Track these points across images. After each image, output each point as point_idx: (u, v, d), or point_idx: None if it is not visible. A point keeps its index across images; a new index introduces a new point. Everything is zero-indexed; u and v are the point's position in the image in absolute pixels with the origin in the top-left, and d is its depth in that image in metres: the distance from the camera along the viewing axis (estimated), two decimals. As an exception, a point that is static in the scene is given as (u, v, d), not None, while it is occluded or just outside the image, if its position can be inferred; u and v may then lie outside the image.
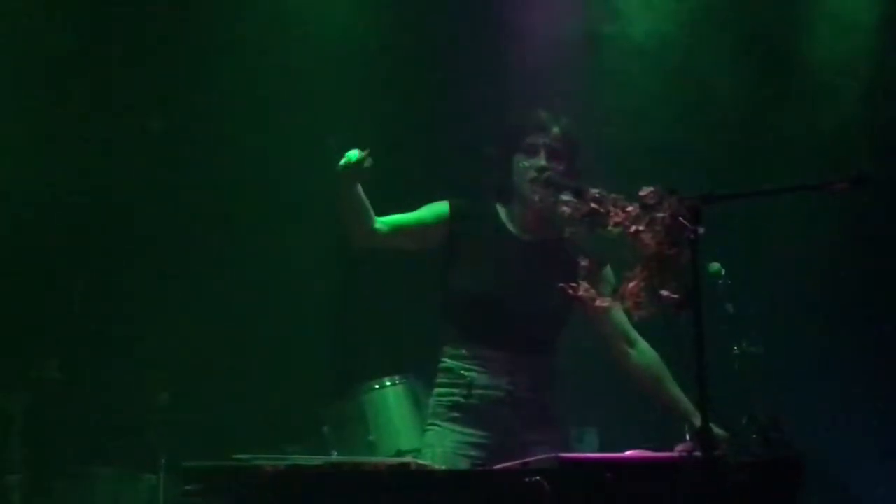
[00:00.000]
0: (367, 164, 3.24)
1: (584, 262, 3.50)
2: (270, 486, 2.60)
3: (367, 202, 3.37)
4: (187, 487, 2.60)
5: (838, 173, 2.77)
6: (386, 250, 3.60)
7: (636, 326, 3.54)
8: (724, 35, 5.89)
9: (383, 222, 3.45)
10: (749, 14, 5.98)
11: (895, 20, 5.97)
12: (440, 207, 3.55)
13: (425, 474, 2.77)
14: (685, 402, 3.38)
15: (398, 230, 3.47)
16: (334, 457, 4.83)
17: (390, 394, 5.05)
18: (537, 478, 2.63)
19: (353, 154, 3.25)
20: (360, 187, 3.33)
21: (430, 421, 3.59)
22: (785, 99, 6.05)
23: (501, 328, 3.47)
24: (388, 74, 5.77)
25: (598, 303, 3.43)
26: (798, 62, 6.02)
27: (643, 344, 3.54)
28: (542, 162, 3.47)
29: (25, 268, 5.45)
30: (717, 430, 3.02)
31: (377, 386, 5.08)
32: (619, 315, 3.49)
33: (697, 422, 3.06)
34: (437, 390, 3.58)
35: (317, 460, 2.85)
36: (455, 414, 3.49)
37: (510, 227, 3.58)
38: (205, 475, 2.62)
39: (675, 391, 3.43)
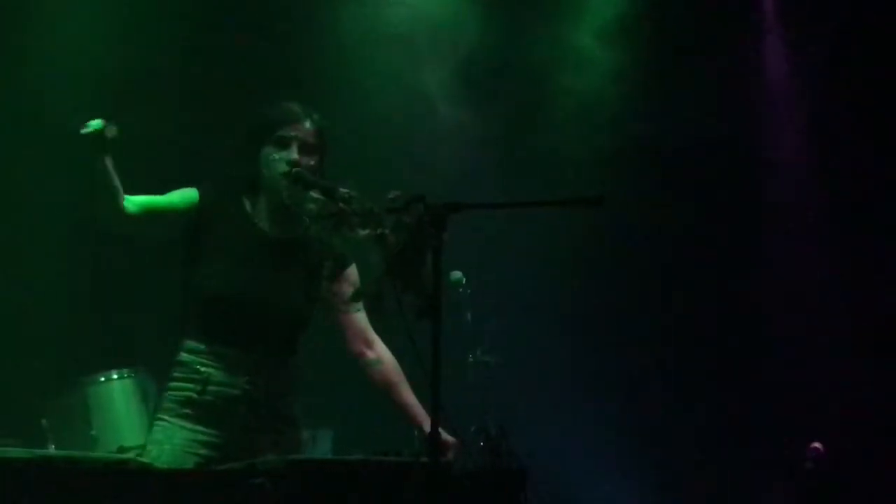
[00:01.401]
0: (111, 133, 3.07)
1: (328, 263, 3.49)
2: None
3: (116, 179, 3.19)
4: None
5: (579, 193, 2.86)
6: (131, 234, 3.43)
7: (376, 329, 3.54)
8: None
9: (133, 202, 3.29)
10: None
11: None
12: (190, 193, 3.42)
13: (144, 472, 2.65)
14: (418, 408, 3.40)
15: (148, 211, 3.31)
16: (49, 450, 4.60)
17: (116, 387, 4.88)
18: (262, 479, 2.57)
19: (97, 123, 3.08)
20: (109, 162, 3.16)
21: (158, 416, 3.44)
22: (536, 124, 6.31)
23: (242, 326, 3.39)
24: (138, 58, 5.58)
25: (340, 304, 3.42)
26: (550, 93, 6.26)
27: (381, 346, 3.54)
28: (294, 156, 3.41)
29: None
30: (446, 436, 3.06)
31: (103, 378, 4.89)
32: (360, 316, 3.48)
33: (428, 427, 3.11)
34: (169, 384, 3.44)
35: (26, 452, 2.66)
36: (187, 410, 3.37)
37: (257, 220, 3.49)
38: None
39: (409, 396, 3.45)
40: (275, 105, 3.48)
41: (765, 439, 6.32)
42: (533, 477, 2.98)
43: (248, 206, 3.49)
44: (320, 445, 5.54)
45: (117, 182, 3.19)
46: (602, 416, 6.19)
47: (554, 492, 5.67)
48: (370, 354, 3.53)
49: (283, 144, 3.42)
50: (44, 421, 4.92)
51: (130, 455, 3.91)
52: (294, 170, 3.35)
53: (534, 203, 3.06)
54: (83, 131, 3.08)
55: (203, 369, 3.37)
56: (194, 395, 3.36)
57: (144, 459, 3.04)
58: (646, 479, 6.28)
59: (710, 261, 6.50)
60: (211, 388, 3.36)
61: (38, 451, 2.84)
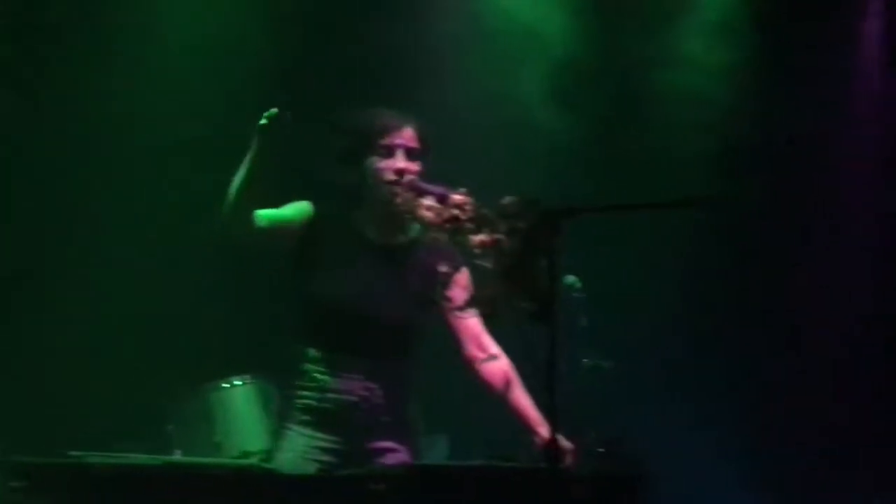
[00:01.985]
0: (285, 120, 3.17)
1: (442, 268, 3.50)
2: (102, 486, 2.49)
3: (261, 187, 3.29)
4: (12, 484, 2.47)
5: (693, 194, 2.82)
6: (254, 246, 3.50)
7: (491, 334, 3.54)
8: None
9: (261, 216, 3.37)
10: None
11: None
12: (304, 207, 3.48)
13: (268, 477, 2.71)
14: (534, 413, 3.38)
15: (274, 225, 3.39)
16: (175, 457, 4.71)
17: (239, 393, 4.95)
18: (381, 485, 2.59)
19: (274, 111, 3.17)
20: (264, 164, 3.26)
21: (281, 423, 3.52)
22: (643, 123, 6.24)
23: (357, 334, 3.43)
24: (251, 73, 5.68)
25: (453, 309, 3.43)
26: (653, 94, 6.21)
27: (496, 350, 3.54)
28: (401, 164, 3.43)
29: None
30: (564, 442, 3.04)
31: (226, 385, 4.97)
32: (474, 321, 3.47)
33: (545, 433, 3.09)
34: (291, 392, 3.50)
35: (155, 459, 2.74)
36: (307, 417, 3.43)
37: (364, 229, 3.53)
38: (31, 471, 2.49)
39: (525, 401, 3.43)
40: (376, 113, 3.51)
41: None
42: (652, 482, 2.94)
43: (355, 215, 3.53)
44: (437, 450, 5.54)
45: (262, 190, 3.28)
46: (721, 420, 6.07)
47: (673, 498, 5.58)
48: (485, 359, 3.53)
49: (389, 153, 3.45)
50: (169, 427, 5.02)
51: (253, 460, 3.99)
52: (406, 178, 3.37)
53: (648, 205, 3.03)
54: (265, 116, 3.17)
55: (320, 377, 3.42)
56: (313, 403, 3.41)
57: (267, 465, 3.10)
58: (767, 486, 6.13)
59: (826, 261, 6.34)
60: (329, 395, 3.41)
61: (165, 458, 2.92)
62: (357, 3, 5.95)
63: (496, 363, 3.51)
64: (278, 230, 3.42)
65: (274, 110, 3.21)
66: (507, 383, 3.48)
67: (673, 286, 6.18)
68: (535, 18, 6.09)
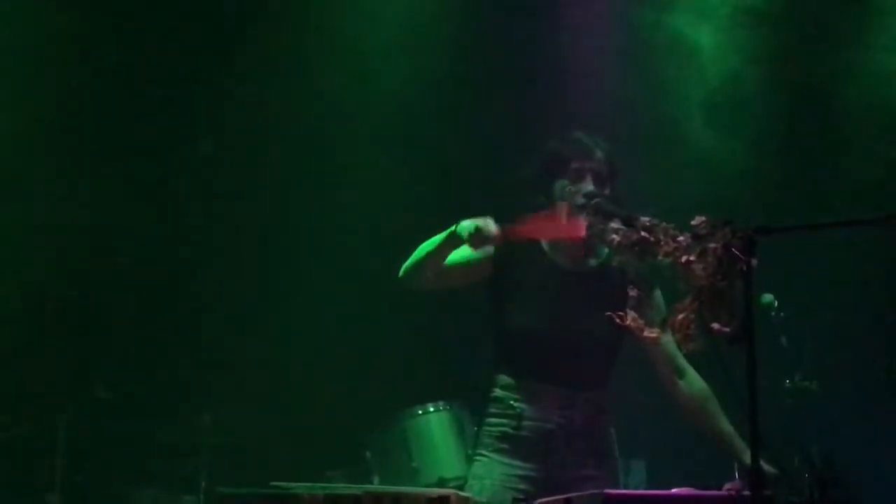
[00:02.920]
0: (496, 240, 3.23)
1: (632, 292, 3.44)
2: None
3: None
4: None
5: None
6: (436, 290, 3.56)
7: (687, 358, 3.45)
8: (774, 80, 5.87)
9: None
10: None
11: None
12: None
13: (465, 506, 2.71)
14: (735, 438, 3.28)
15: (453, 270, 3.42)
16: (374, 484, 4.79)
17: (433, 420, 4.99)
18: (580, 513, 2.56)
19: (491, 226, 3.23)
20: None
21: (478, 451, 3.52)
22: (839, 137, 6.00)
23: (553, 362, 3.41)
24: (426, 102, 5.77)
25: (647, 333, 3.36)
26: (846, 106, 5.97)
27: (692, 374, 3.45)
28: (590, 187, 3.40)
29: (75, 288, 5.47)
30: (767, 468, 2.93)
31: (420, 412, 5.02)
32: (669, 344, 3.39)
33: (747, 459, 2.98)
34: (486, 419, 3.51)
35: (355, 489, 2.79)
36: (504, 445, 3.42)
37: (554, 256, 3.51)
38: (240, 502, 2.57)
39: (725, 425, 3.34)
40: (567, 137, 3.50)
41: None
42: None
43: (544, 242, 3.51)
44: (634, 475, 5.45)
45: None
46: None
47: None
48: (681, 382, 3.45)
49: (579, 177, 3.43)
50: (368, 454, 5.11)
51: (451, 489, 4.00)
52: (594, 201, 3.34)
53: (847, 222, 2.88)
54: (475, 228, 3.23)
55: (516, 405, 3.41)
56: (510, 430, 3.41)
57: (465, 493, 3.11)
58: None
59: None
60: (526, 422, 3.40)
61: (365, 486, 2.97)
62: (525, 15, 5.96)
63: (692, 386, 3.42)
64: (460, 272, 3.45)
65: (492, 230, 3.24)
66: (705, 407, 3.40)
67: (874, 303, 5.90)
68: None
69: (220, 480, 3.65)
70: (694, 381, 3.45)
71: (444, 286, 3.51)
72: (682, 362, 3.45)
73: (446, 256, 3.36)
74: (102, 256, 5.54)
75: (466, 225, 3.27)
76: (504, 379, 3.46)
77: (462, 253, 3.42)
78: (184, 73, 5.67)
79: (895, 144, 5.92)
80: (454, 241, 3.30)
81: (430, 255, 3.36)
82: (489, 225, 3.24)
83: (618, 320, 3.42)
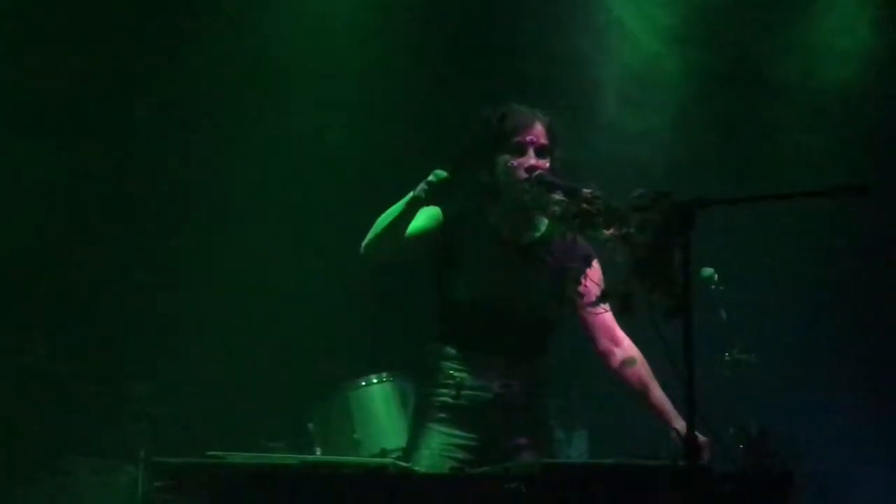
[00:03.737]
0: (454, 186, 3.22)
1: (573, 264, 3.46)
2: (243, 485, 2.54)
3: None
4: (157, 484, 2.54)
5: (837, 182, 2.70)
6: (397, 262, 3.54)
7: (625, 328, 3.49)
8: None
9: None
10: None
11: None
12: (435, 213, 3.48)
13: (403, 476, 2.72)
14: (669, 406, 3.34)
15: (413, 240, 3.41)
16: (315, 455, 4.78)
17: (376, 391, 5.00)
18: (517, 483, 2.57)
19: (442, 173, 3.20)
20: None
21: (416, 420, 3.52)
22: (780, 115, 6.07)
23: (495, 332, 3.42)
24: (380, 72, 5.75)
25: (586, 304, 3.39)
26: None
27: (629, 344, 3.50)
28: (532, 161, 3.40)
29: (7, 253, 5.38)
30: (702, 438, 2.97)
31: (363, 383, 5.02)
32: (607, 315, 3.45)
33: (680, 425, 3.03)
34: (425, 390, 3.51)
35: (293, 460, 2.78)
36: (443, 415, 3.43)
37: (498, 227, 3.52)
38: (175, 471, 2.56)
39: (658, 393, 3.40)
40: (507, 111, 3.48)
41: None
42: (799, 479, 2.84)
43: (487, 212, 3.51)
44: (575, 446, 5.50)
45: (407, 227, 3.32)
46: (866, 412, 5.84)
47: (820, 494, 5.40)
48: (618, 353, 3.50)
49: (520, 150, 3.43)
50: (310, 425, 5.10)
51: (391, 459, 4.01)
52: (535, 174, 3.34)
53: (790, 194, 2.90)
54: (432, 180, 3.22)
55: (457, 374, 3.42)
56: (450, 400, 3.42)
57: (404, 463, 3.12)
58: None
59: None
60: (465, 392, 3.41)
61: (303, 457, 2.96)
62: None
63: (629, 356, 3.46)
64: (418, 242, 3.43)
65: (443, 174, 3.23)
66: (640, 376, 3.45)
67: (817, 275, 5.99)
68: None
69: (162, 451, 3.62)
70: (630, 351, 3.49)
71: (403, 257, 3.48)
72: (619, 332, 3.51)
73: (409, 222, 3.33)
74: (36, 220, 5.45)
75: (422, 185, 3.27)
76: (445, 349, 3.46)
77: (418, 224, 3.42)
78: (124, 37, 5.59)
79: (821, 124, 5.99)
80: (415, 205, 3.29)
81: (392, 225, 3.33)
82: (439, 173, 3.24)
83: (558, 292, 3.45)
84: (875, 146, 5.99)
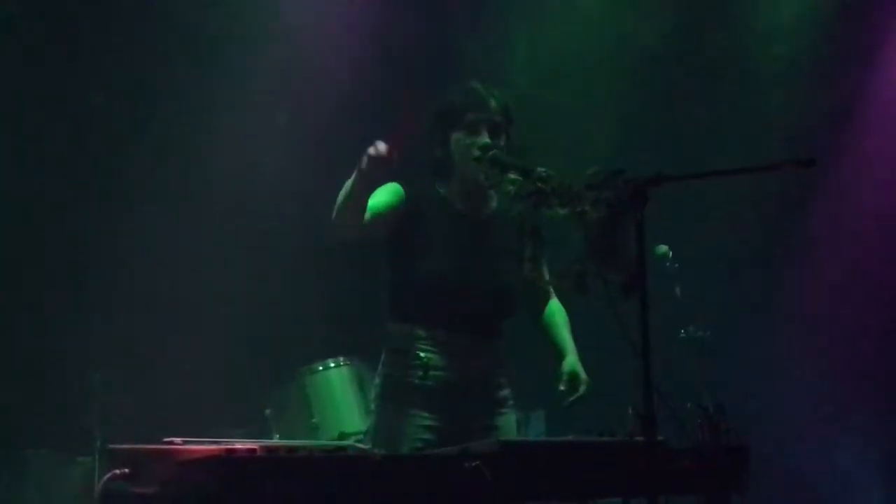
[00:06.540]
0: (395, 157, 3.14)
1: (529, 243, 3.46)
2: (200, 471, 2.51)
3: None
4: (114, 471, 2.51)
5: (786, 156, 2.73)
6: (360, 241, 3.50)
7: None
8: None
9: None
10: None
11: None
12: (396, 189, 3.46)
13: (362, 459, 2.70)
14: (569, 344, 3.51)
15: (376, 218, 3.37)
16: (272, 440, 4.77)
17: (334, 375, 4.99)
18: (477, 462, 2.57)
19: (382, 145, 3.15)
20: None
21: (377, 403, 3.50)
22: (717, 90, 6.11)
23: (459, 310, 3.41)
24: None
25: (540, 283, 3.41)
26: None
27: (555, 300, 3.63)
28: (486, 139, 3.39)
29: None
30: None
31: (320, 367, 5.02)
32: (548, 285, 3.55)
33: (569, 361, 3.34)
34: (386, 371, 3.49)
35: (250, 444, 2.76)
36: (406, 396, 3.41)
37: (454, 204, 3.51)
38: (131, 458, 2.53)
39: (564, 333, 3.54)
40: (460, 89, 3.47)
41: None
42: (755, 453, 2.87)
43: (442, 190, 3.51)
44: (533, 427, 5.52)
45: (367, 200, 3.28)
46: (821, 387, 5.92)
47: (777, 467, 5.47)
48: (544, 309, 3.62)
49: (474, 129, 3.42)
50: (267, 411, 5.09)
51: (350, 441, 4.01)
52: (490, 153, 3.33)
53: (740, 170, 2.92)
54: (371, 153, 3.15)
55: (424, 355, 3.40)
56: (415, 381, 3.39)
57: (363, 445, 3.10)
58: (879, 447, 5.96)
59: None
60: (432, 372, 3.39)
61: (261, 441, 2.94)
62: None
63: (552, 307, 3.60)
64: (381, 220, 3.40)
65: (382, 149, 3.17)
66: (554, 320, 3.57)
67: (770, 252, 6.05)
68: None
69: (117, 441, 3.57)
70: (553, 303, 3.63)
71: (371, 233, 3.45)
72: (550, 293, 3.63)
73: (364, 197, 3.27)
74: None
75: (363, 158, 3.21)
76: (406, 329, 3.44)
77: (380, 200, 3.38)
78: (76, 26, 5.53)
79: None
80: (363, 178, 3.24)
81: (347, 200, 3.29)
82: (378, 145, 3.18)
83: (514, 270, 3.46)
84: (812, 122, 6.06)
